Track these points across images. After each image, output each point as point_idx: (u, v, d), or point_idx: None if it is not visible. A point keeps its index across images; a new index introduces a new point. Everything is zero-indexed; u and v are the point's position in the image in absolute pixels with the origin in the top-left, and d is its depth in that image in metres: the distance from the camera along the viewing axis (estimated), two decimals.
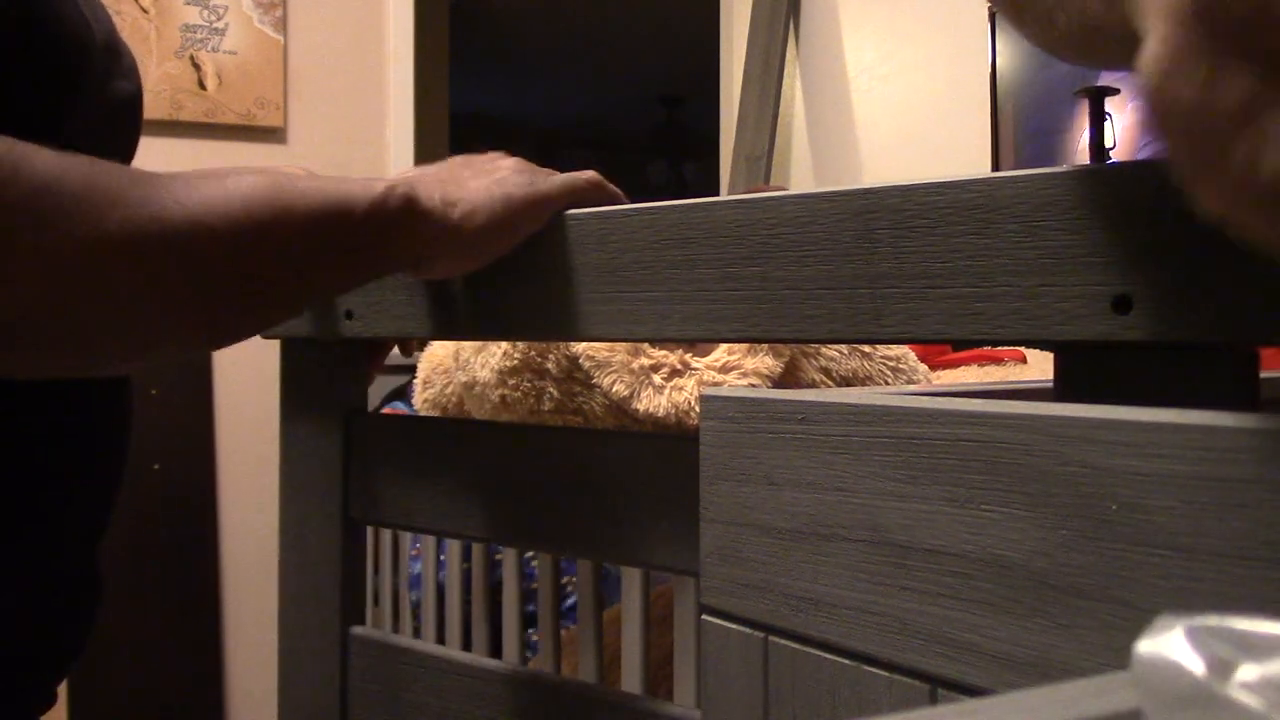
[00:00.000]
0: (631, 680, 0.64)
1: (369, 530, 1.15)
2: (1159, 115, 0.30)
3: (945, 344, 0.95)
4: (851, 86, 2.57)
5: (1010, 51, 2.21)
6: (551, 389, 0.96)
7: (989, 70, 2.25)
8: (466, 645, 1.04)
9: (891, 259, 0.50)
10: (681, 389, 0.90)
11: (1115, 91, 1.95)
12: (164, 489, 2.46)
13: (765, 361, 0.91)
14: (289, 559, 0.83)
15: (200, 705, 2.48)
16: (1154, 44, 0.30)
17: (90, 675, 2.33)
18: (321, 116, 2.72)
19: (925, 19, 2.42)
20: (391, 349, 0.85)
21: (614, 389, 0.90)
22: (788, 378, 0.95)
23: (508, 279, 0.66)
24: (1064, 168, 0.46)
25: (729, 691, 0.48)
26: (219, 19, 2.60)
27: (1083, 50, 0.43)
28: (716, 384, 0.89)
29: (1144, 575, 0.35)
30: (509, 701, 0.69)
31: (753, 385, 0.91)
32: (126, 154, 0.73)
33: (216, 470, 2.53)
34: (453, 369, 1.08)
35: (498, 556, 1.04)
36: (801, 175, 2.69)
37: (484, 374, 0.99)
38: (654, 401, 0.90)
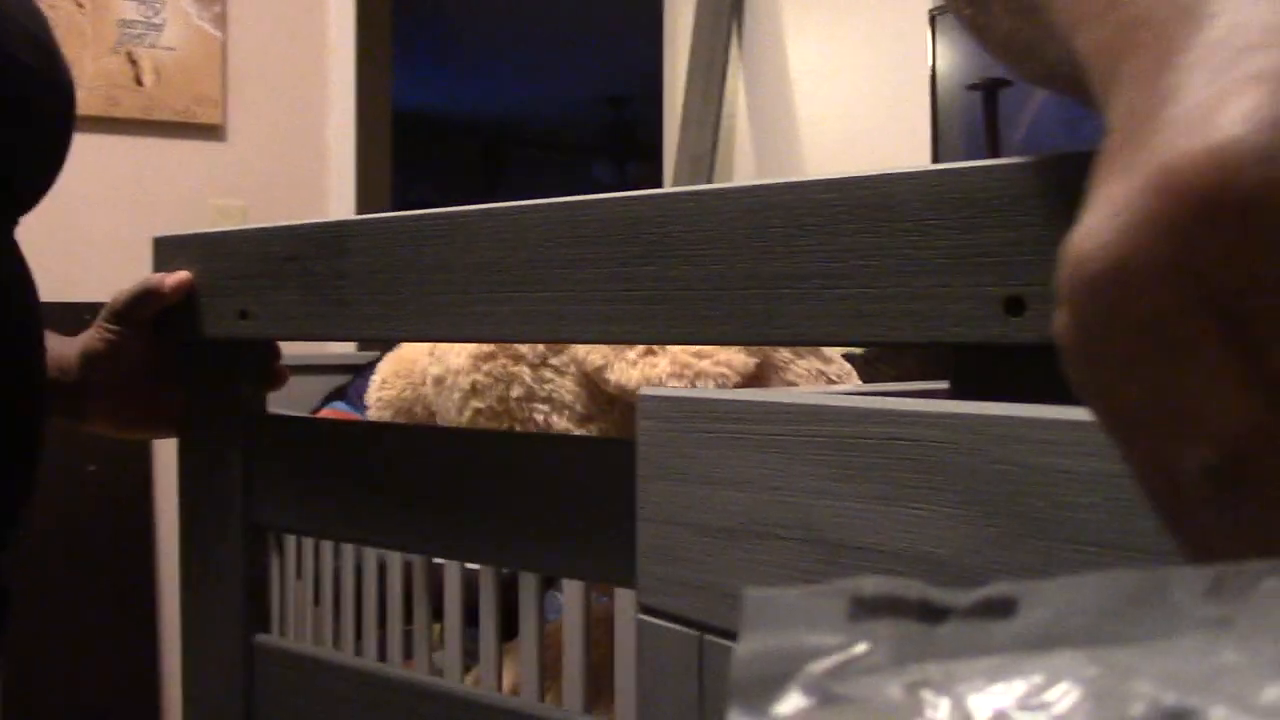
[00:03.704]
0: (572, 693, 0.64)
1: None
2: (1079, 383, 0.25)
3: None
4: (794, 87, 2.58)
5: (950, 52, 2.23)
6: (525, 374, 0.96)
7: (929, 71, 2.27)
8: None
9: (784, 258, 0.49)
10: (655, 365, 0.91)
11: (1008, 84, 1.97)
12: (100, 490, 2.43)
13: (739, 356, 0.92)
14: (190, 567, 0.82)
15: (137, 706, 2.45)
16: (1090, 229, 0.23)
17: (25, 676, 2.29)
18: (262, 114, 2.69)
19: (866, 20, 2.44)
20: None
21: (589, 358, 0.92)
22: (758, 383, 0.96)
23: (402, 280, 0.66)
24: (955, 165, 0.46)
25: (665, 691, 0.48)
26: (156, 15, 2.57)
27: (1048, 86, 0.43)
28: (689, 366, 0.91)
29: (1070, 572, 0.35)
30: (422, 714, 0.68)
31: (723, 375, 0.92)
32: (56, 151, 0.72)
33: (153, 470, 2.49)
34: (425, 362, 1.08)
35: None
36: (745, 176, 2.70)
37: (459, 360, 1.00)
38: (627, 374, 0.92)
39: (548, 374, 0.96)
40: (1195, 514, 0.23)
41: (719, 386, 0.93)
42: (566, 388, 0.96)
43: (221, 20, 2.64)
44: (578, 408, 0.96)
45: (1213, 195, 0.21)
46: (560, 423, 0.96)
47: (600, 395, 0.97)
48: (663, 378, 0.90)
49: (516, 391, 0.96)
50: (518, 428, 0.97)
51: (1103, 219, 0.23)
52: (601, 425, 0.97)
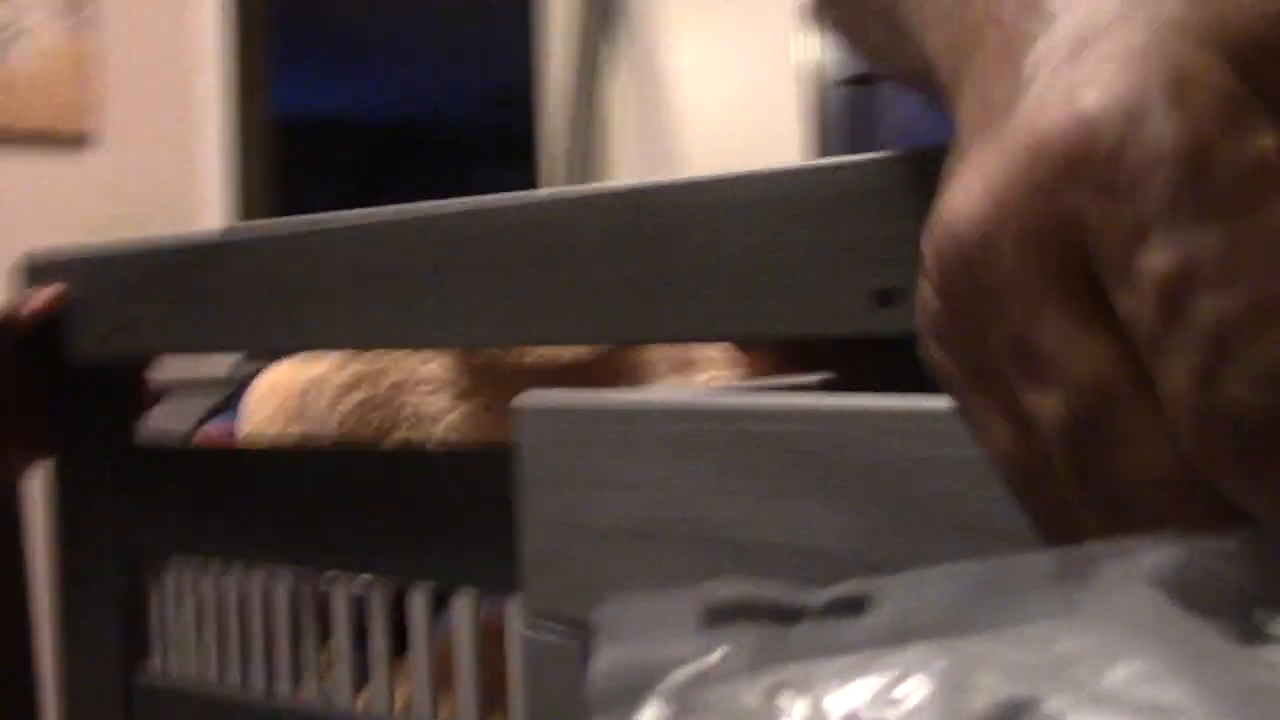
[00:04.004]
0: (466, 705, 0.64)
1: None
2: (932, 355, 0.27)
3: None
4: (670, 85, 2.60)
5: (822, 48, 2.27)
6: (399, 358, 0.96)
7: (799, 65, 2.30)
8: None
9: (662, 258, 0.50)
10: None
11: (874, 79, 2.01)
12: None
13: None
14: (64, 598, 0.81)
15: None
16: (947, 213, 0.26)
17: None
18: (133, 122, 2.62)
19: (739, 17, 2.46)
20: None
21: None
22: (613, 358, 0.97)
23: (283, 290, 0.65)
24: (825, 160, 0.47)
25: (553, 697, 0.48)
26: (17, 19, 2.49)
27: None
28: None
29: (943, 557, 0.36)
30: None
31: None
32: None
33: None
34: (294, 372, 1.07)
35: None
36: (624, 175, 2.71)
37: (331, 359, 0.99)
38: None
39: (422, 354, 0.97)
40: (1046, 479, 0.24)
41: None
42: (441, 366, 0.97)
43: (88, 26, 2.56)
44: (454, 385, 0.96)
45: (1080, 155, 0.22)
46: (438, 403, 0.96)
47: (475, 367, 0.97)
48: None
49: (392, 379, 0.96)
50: (393, 415, 0.96)
51: (973, 184, 0.24)
52: (481, 398, 0.97)
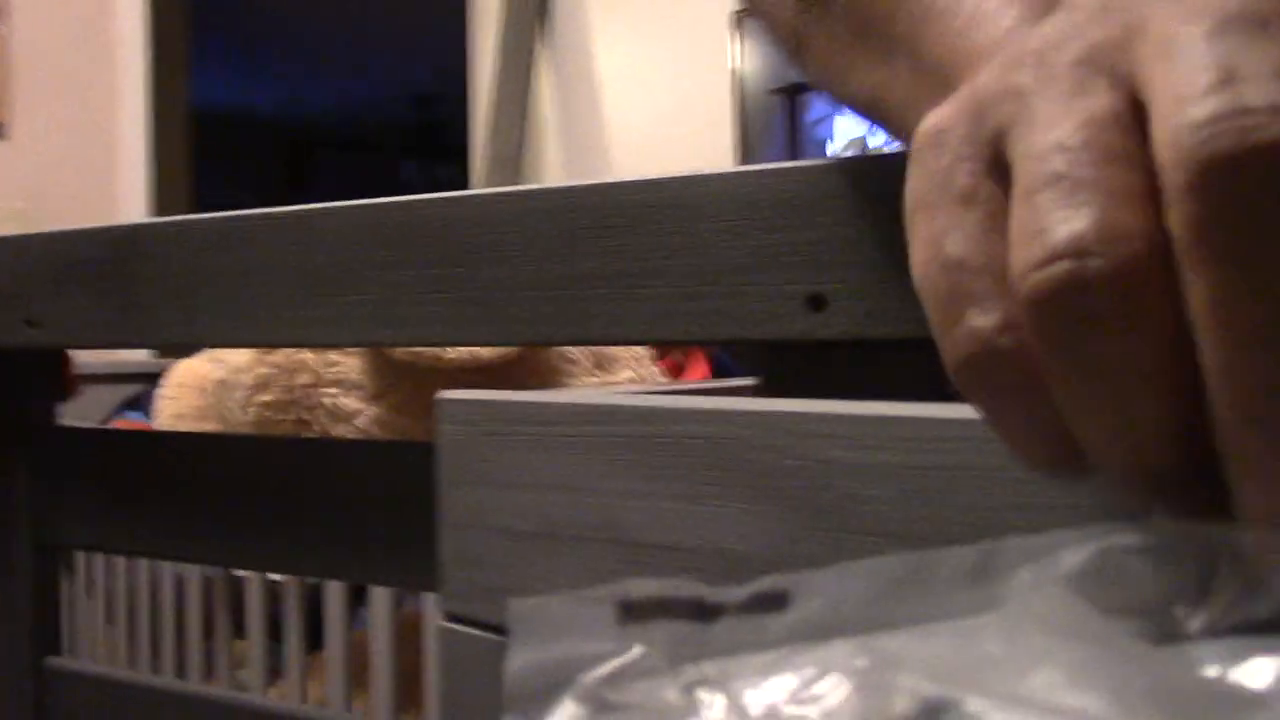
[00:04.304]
0: (381, 702, 0.63)
1: None
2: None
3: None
4: (601, 89, 2.60)
5: (753, 56, 2.28)
6: (311, 360, 0.95)
7: (732, 75, 2.32)
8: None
9: (594, 259, 0.50)
10: None
11: (807, 88, 2.05)
12: None
13: None
14: None
15: None
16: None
17: None
18: (46, 111, 2.56)
19: (672, 23, 2.47)
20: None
21: None
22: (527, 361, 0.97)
23: (203, 285, 0.64)
24: (759, 166, 0.47)
25: (468, 697, 0.48)
26: None
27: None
28: None
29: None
30: None
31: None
32: None
33: None
34: (208, 369, 1.05)
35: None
36: (553, 177, 2.71)
37: (241, 358, 0.97)
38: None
39: (334, 355, 0.95)
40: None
41: None
42: (354, 367, 0.95)
43: (1, 13, 2.50)
44: (367, 385, 0.95)
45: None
46: (351, 404, 0.95)
47: (388, 368, 0.96)
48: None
49: (304, 379, 0.95)
50: (305, 416, 0.95)
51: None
52: (393, 399, 0.96)
